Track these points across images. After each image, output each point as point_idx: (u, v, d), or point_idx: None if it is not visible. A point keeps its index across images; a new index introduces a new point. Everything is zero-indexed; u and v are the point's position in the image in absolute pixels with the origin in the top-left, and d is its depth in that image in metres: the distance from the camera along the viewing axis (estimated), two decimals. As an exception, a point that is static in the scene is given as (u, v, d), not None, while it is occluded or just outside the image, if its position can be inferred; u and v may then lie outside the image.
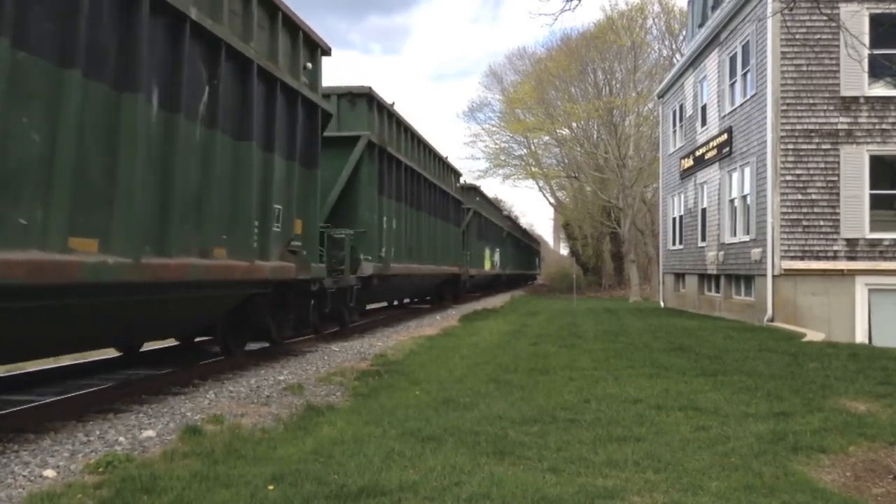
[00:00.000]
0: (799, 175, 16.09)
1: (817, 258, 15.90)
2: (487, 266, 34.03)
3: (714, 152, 20.51)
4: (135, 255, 6.29)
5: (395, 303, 24.65)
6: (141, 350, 10.55)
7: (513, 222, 51.82)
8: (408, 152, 17.53)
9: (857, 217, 15.81)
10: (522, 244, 57.65)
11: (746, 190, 17.97)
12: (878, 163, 15.94)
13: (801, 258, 15.94)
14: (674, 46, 39.13)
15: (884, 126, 15.92)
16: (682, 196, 24.56)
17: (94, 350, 9.07)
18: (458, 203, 25.22)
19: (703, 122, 21.88)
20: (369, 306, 20.36)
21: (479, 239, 31.64)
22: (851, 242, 15.84)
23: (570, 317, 20.16)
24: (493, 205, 39.83)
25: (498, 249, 38.64)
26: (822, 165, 16.05)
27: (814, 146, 16.08)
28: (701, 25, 22.94)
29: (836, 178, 15.96)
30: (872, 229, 15.79)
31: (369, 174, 14.25)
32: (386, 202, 15.22)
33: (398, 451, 5.33)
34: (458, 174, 25.60)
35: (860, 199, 15.84)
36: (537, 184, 53.58)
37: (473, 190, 31.30)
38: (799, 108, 16.15)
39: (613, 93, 39.64)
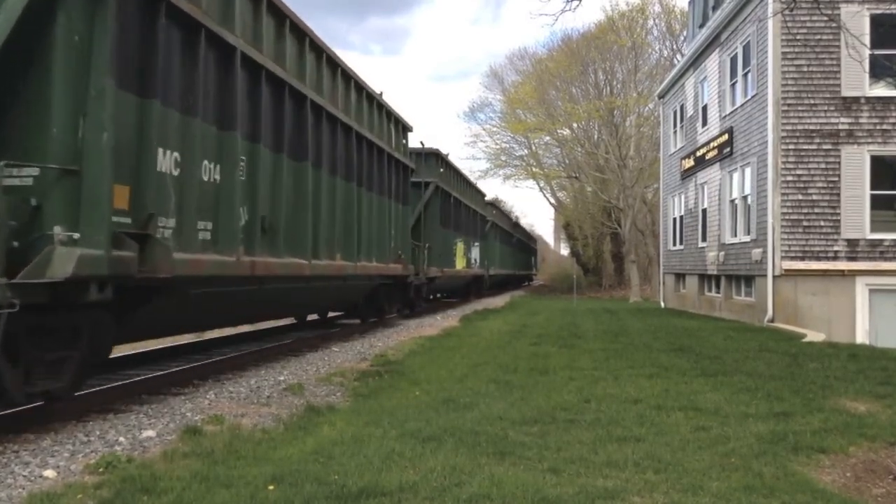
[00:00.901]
0: (800, 175, 16.09)
1: (818, 258, 15.89)
2: (460, 264, 25.90)
3: (715, 153, 20.51)
4: None
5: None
6: None
7: (500, 211, 43.68)
8: (259, 36, 9.12)
9: (857, 217, 15.80)
10: (515, 240, 49.85)
11: (747, 190, 17.97)
12: (878, 163, 15.93)
13: (802, 258, 15.94)
14: (674, 47, 39.17)
15: (885, 126, 15.91)
16: (683, 196, 24.56)
17: None
18: (405, 170, 17.05)
19: (704, 123, 21.88)
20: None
21: (447, 227, 23.12)
22: (852, 243, 15.83)
23: (570, 317, 20.16)
24: (470, 183, 30.19)
25: (478, 244, 30.54)
26: (823, 166, 16.04)
27: (814, 146, 16.08)
28: (702, 26, 22.94)
29: (836, 179, 15.96)
30: (873, 230, 15.78)
31: (80, 27, 6.11)
32: (160, 112, 6.98)
33: (398, 451, 5.33)
34: (404, 126, 17.01)
35: (861, 200, 15.83)
36: (538, 184, 53.56)
37: (435, 157, 21.78)
38: (800, 108, 16.14)
39: (614, 93, 39.65)
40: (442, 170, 22.57)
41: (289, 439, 5.93)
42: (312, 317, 17.42)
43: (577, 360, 10.35)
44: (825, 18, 13.93)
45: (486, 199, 36.06)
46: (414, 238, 18.68)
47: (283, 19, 9.92)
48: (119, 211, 6.36)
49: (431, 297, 27.60)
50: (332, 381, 9.13)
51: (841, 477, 5.05)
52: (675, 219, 25.88)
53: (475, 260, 29.97)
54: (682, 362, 10.20)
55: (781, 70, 16.17)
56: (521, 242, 56.96)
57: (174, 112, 7.30)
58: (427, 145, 22.16)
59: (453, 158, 27.20)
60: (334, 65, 12.07)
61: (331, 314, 18.01)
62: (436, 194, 21.61)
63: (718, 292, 20.83)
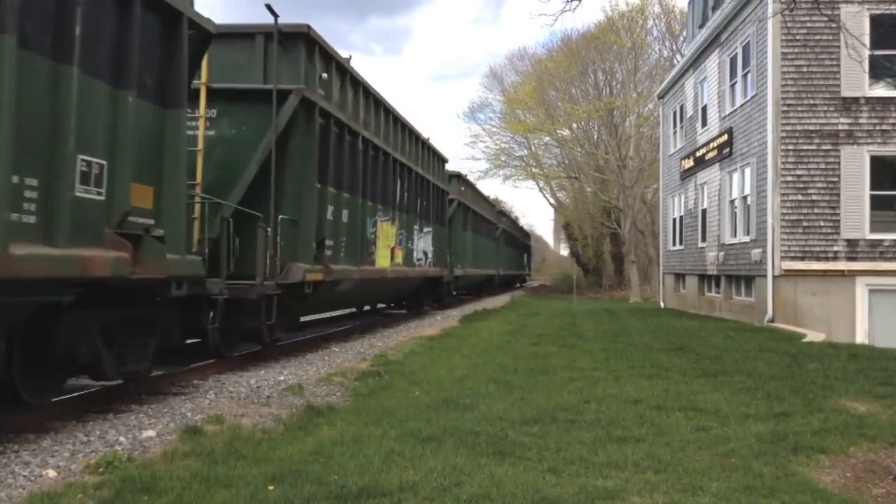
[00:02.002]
0: (799, 176, 16.09)
1: (817, 259, 15.89)
2: (386, 260, 15.40)
3: (714, 153, 20.51)
4: None
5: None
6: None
7: (475, 192, 32.08)
8: None
9: (857, 218, 15.80)
10: (499, 232, 39.66)
11: (747, 190, 17.97)
12: (878, 163, 15.93)
13: (802, 259, 15.94)
14: (674, 47, 39.17)
15: (884, 127, 15.91)
16: (683, 197, 24.56)
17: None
18: (169, 26, 7.11)
19: (704, 123, 21.88)
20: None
21: (346, 191, 12.70)
22: (852, 243, 15.83)
23: (570, 317, 20.16)
24: (410, 131, 17.75)
25: (430, 230, 20.08)
26: (823, 166, 16.04)
27: (814, 147, 16.08)
28: (701, 26, 22.94)
29: (836, 179, 15.96)
30: (873, 230, 15.78)
31: None
32: None
33: (398, 451, 5.34)
34: None
35: (860, 200, 15.83)
36: (538, 184, 53.59)
37: (303, 42, 11.00)
38: (799, 108, 16.14)
39: (614, 93, 39.65)
40: (324, 75, 11.68)
41: (289, 439, 5.93)
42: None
43: (577, 361, 10.35)
44: (825, 19, 13.93)
45: (451, 170, 25.04)
46: (249, 203, 9.75)
47: None
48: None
49: (374, 310, 20.80)
50: (332, 380, 9.13)
51: (841, 477, 5.05)
52: (674, 219, 25.88)
53: (426, 254, 19.76)
54: (682, 362, 10.21)
55: (781, 70, 16.17)
56: (510, 236, 46.92)
57: None
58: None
59: (365, 75, 13.76)
60: None
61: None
62: (308, 118, 10.95)
63: (718, 292, 20.83)
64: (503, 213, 45.59)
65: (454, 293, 27.57)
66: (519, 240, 55.34)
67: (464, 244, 27.40)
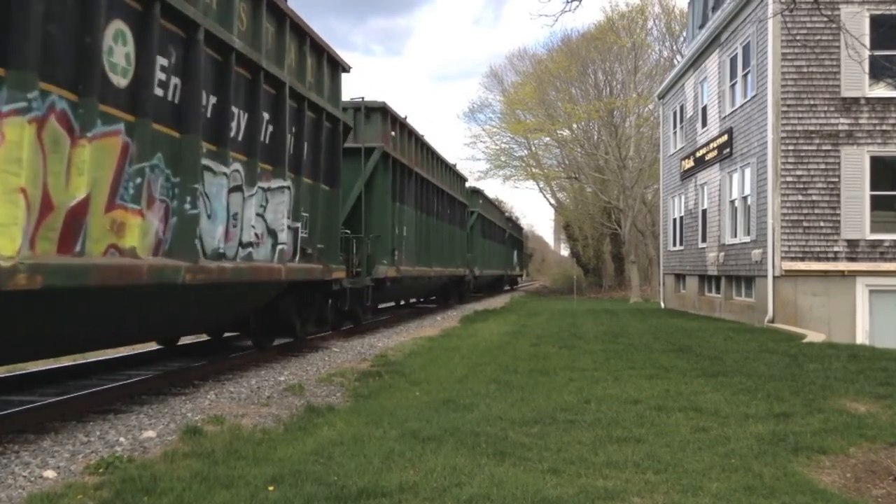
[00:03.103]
0: (799, 176, 16.09)
1: (818, 259, 15.89)
2: (16, 238, 4.89)
3: (714, 153, 20.51)
4: None
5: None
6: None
7: (420, 145, 19.42)
8: None
9: (857, 218, 15.80)
10: (476, 218, 31.55)
11: (747, 191, 17.97)
12: (878, 164, 15.93)
13: (802, 259, 15.94)
14: (674, 47, 39.19)
15: (884, 127, 15.92)
16: (683, 197, 24.56)
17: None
18: None
19: (704, 123, 21.88)
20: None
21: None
22: (852, 243, 15.84)
23: (570, 318, 20.15)
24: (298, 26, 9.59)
25: (286, 185, 9.66)
26: (823, 166, 16.05)
27: (814, 147, 16.08)
28: (701, 26, 22.95)
29: (836, 179, 15.96)
30: (873, 230, 15.79)
31: None
32: None
33: (398, 451, 5.33)
34: None
35: (861, 200, 15.84)
36: (538, 185, 53.57)
37: None
38: (799, 109, 16.15)
39: (614, 94, 39.66)
40: None
41: (289, 440, 5.93)
42: None
43: (577, 361, 10.35)
44: (825, 19, 13.94)
45: (371, 100, 15.71)
46: None
47: None
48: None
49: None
50: (333, 381, 9.13)
51: (841, 477, 5.05)
52: (674, 219, 25.88)
53: (276, 234, 9.57)
54: (682, 363, 10.20)
55: (781, 71, 16.17)
56: (492, 226, 37.26)
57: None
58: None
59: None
60: None
61: None
62: None
63: (718, 293, 20.83)
64: (479, 193, 33.72)
65: (378, 305, 17.61)
66: (506, 232, 43.87)
67: (398, 227, 16.86)
